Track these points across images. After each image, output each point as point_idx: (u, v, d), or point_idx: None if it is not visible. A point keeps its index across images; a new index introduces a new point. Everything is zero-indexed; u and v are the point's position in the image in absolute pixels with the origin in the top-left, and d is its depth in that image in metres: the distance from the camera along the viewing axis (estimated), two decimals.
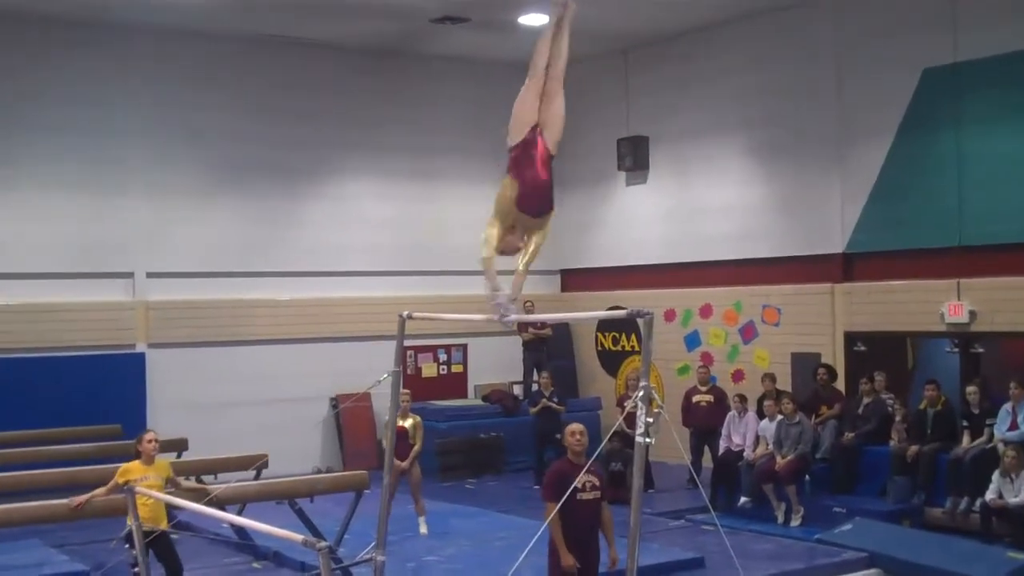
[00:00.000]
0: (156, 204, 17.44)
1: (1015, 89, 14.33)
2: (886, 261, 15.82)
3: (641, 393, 6.41)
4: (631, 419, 6.75)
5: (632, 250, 19.60)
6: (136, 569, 9.46)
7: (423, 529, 13.19)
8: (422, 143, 19.63)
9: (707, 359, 17.80)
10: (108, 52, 17.03)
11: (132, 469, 9.85)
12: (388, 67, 19.29)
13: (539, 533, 6.99)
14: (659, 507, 14.76)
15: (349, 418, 18.40)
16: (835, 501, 14.24)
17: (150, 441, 10.02)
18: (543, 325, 18.43)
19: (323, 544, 6.52)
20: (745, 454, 14.93)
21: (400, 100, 19.49)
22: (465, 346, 19.97)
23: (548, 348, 19.12)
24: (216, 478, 13.18)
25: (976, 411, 13.83)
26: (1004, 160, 14.44)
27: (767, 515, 14.20)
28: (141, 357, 17.18)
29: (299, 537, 6.74)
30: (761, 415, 15.15)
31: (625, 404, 7.06)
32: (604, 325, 20.09)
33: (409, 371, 18.68)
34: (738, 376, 17.55)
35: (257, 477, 13.18)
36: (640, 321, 6.70)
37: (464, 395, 19.82)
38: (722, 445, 15.40)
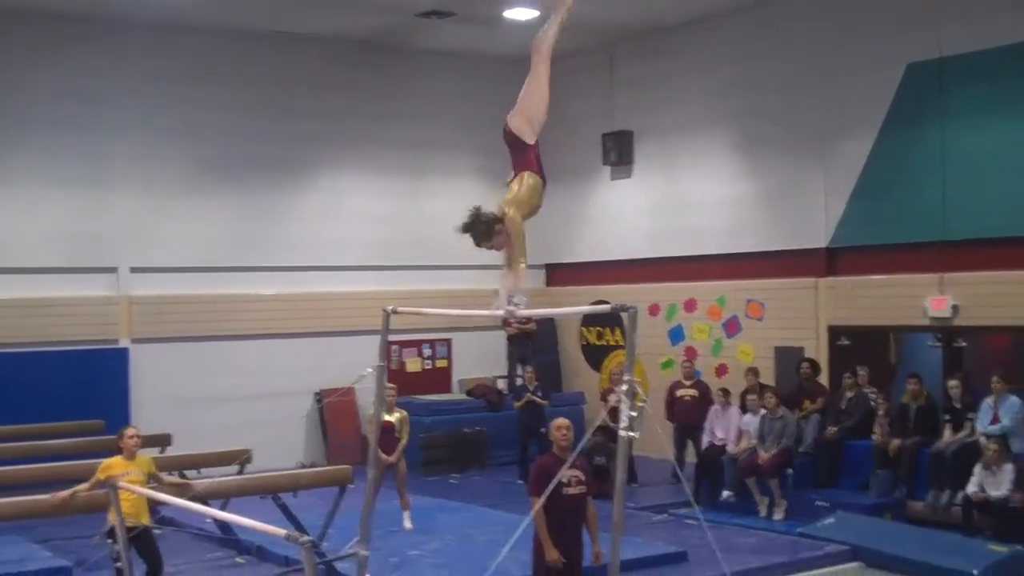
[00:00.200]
0: (141, 199, 17.39)
1: (999, 84, 14.37)
2: (870, 255, 15.85)
3: (625, 387, 6.42)
4: (615, 413, 6.76)
5: (617, 245, 19.61)
6: (118, 564, 9.45)
7: (407, 524, 13.19)
8: (408, 138, 19.61)
9: (691, 353, 17.81)
10: (97, 47, 16.97)
11: (114, 465, 9.84)
12: (374, 62, 19.26)
13: (522, 527, 6.99)
14: (642, 501, 14.78)
15: (333, 413, 18.39)
16: (818, 495, 14.27)
17: (131, 437, 10.01)
18: (527, 320, 18.41)
19: (306, 539, 6.51)
20: (728, 448, 14.96)
21: (386, 95, 19.46)
22: (449, 341, 19.96)
23: (532, 342, 19.11)
24: (199, 473, 13.17)
25: (958, 405, 13.89)
26: (987, 155, 14.47)
27: (750, 509, 14.24)
28: (124, 352, 17.14)
29: (282, 532, 6.71)
30: (744, 409, 15.20)
31: (609, 398, 7.05)
32: (588, 319, 20.11)
33: (393, 366, 18.65)
34: (722, 370, 17.57)
35: (240, 472, 13.16)
36: (624, 315, 6.70)
37: (448, 390, 19.82)
38: (705, 439, 15.41)
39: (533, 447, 16.69)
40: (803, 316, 16.51)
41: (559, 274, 20.80)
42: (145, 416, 15.96)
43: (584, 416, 18.44)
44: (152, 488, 9.70)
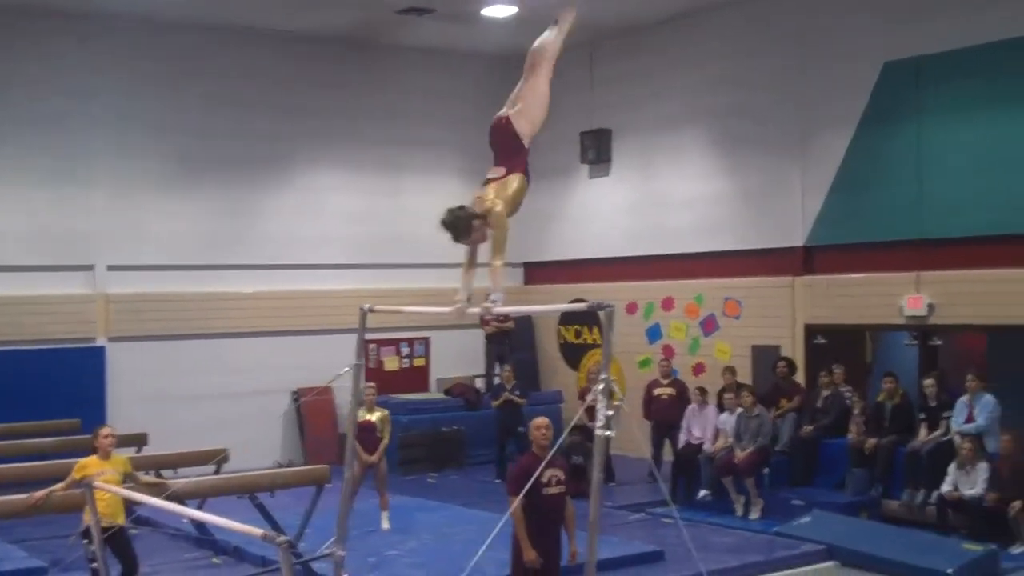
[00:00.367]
0: (118, 196, 17.32)
1: (975, 83, 14.44)
2: (846, 254, 15.91)
3: (601, 386, 6.42)
4: (592, 412, 6.76)
5: (595, 243, 19.64)
6: (94, 565, 9.40)
7: (385, 524, 13.15)
8: (386, 135, 19.58)
9: (668, 352, 17.85)
10: (72, 43, 16.88)
11: (89, 464, 9.80)
12: (353, 58, 19.24)
13: (499, 526, 6.99)
14: (619, 500, 14.80)
15: (310, 412, 18.35)
16: (794, 494, 14.33)
17: (106, 436, 9.97)
18: (505, 318, 18.43)
19: (283, 539, 6.49)
20: (705, 447, 14.99)
21: (365, 92, 19.43)
22: (428, 339, 19.95)
23: (510, 341, 19.13)
24: (176, 473, 13.12)
25: (933, 404, 13.94)
26: (964, 154, 14.53)
27: (726, 508, 14.28)
28: (101, 351, 17.06)
29: (259, 532, 6.70)
30: (721, 408, 15.23)
31: (586, 397, 7.06)
32: (566, 318, 20.13)
33: (371, 364, 18.64)
34: (699, 369, 17.61)
35: (217, 471, 13.12)
36: (601, 314, 6.71)
37: (426, 388, 19.81)
38: (682, 438, 15.43)
39: (511, 446, 16.71)
40: (780, 315, 16.57)
41: (537, 272, 20.80)
42: (122, 415, 15.90)
43: (562, 415, 18.46)
44: (128, 488, 9.66)
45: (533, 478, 7.80)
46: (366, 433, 12.99)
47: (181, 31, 17.56)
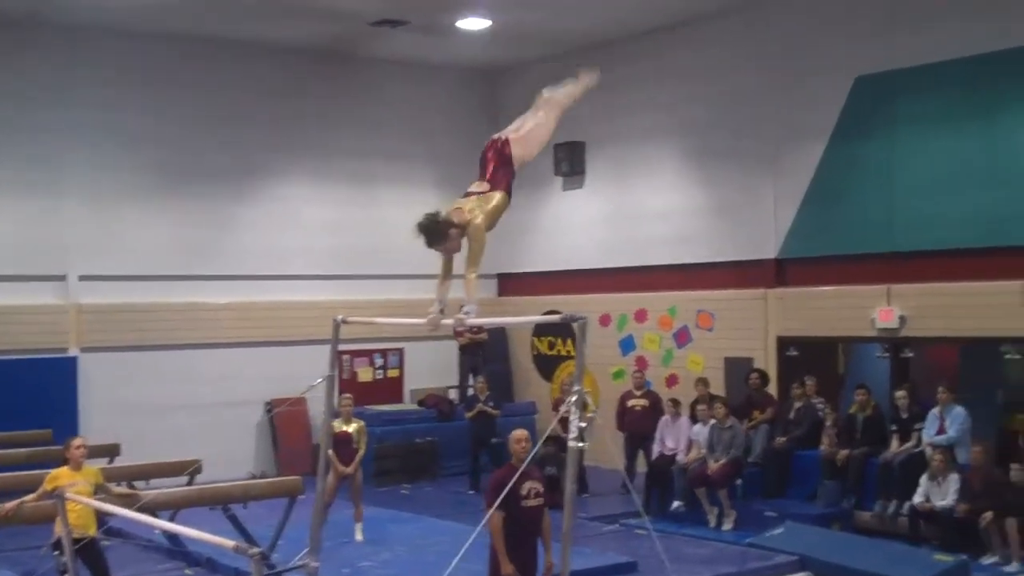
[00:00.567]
0: (91, 206, 17.24)
1: (945, 97, 14.55)
2: (818, 267, 15.99)
3: (575, 397, 6.45)
4: (566, 423, 6.79)
5: (568, 255, 19.67)
6: None
7: (359, 536, 13.13)
8: (360, 147, 19.56)
9: (642, 364, 17.89)
10: (47, 52, 16.82)
11: (61, 475, 9.76)
12: (327, 70, 19.22)
13: (473, 537, 6.99)
14: (593, 511, 14.81)
15: (284, 423, 18.28)
16: (766, 505, 14.37)
17: (78, 447, 9.94)
18: (479, 330, 18.44)
19: (255, 550, 6.49)
20: (678, 458, 15.02)
21: (339, 103, 19.42)
22: (401, 350, 19.92)
23: (484, 352, 19.13)
24: (148, 484, 13.05)
25: (905, 416, 14.02)
26: (934, 167, 14.63)
27: (700, 519, 14.31)
28: (73, 361, 16.97)
29: (231, 543, 6.69)
30: (694, 419, 15.27)
31: (560, 408, 7.09)
32: (540, 330, 20.14)
33: (345, 375, 18.61)
34: (672, 381, 17.65)
35: (190, 483, 13.07)
36: (575, 325, 6.74)
37: (400, 399, 19.77)
38: (655, 449, 15.47)
39: (484, 457, 16.72)
40: (752, 327, 16.63)
41: (511, 284, 20.82)
42: (94, 426, 15.84)
43: (536, 426, 18.43)
44: (100, 499, 9.62)
45: (507, 489, 7.81)
46: (342, 444, 12.98)
47: (157, 43, 17.51)
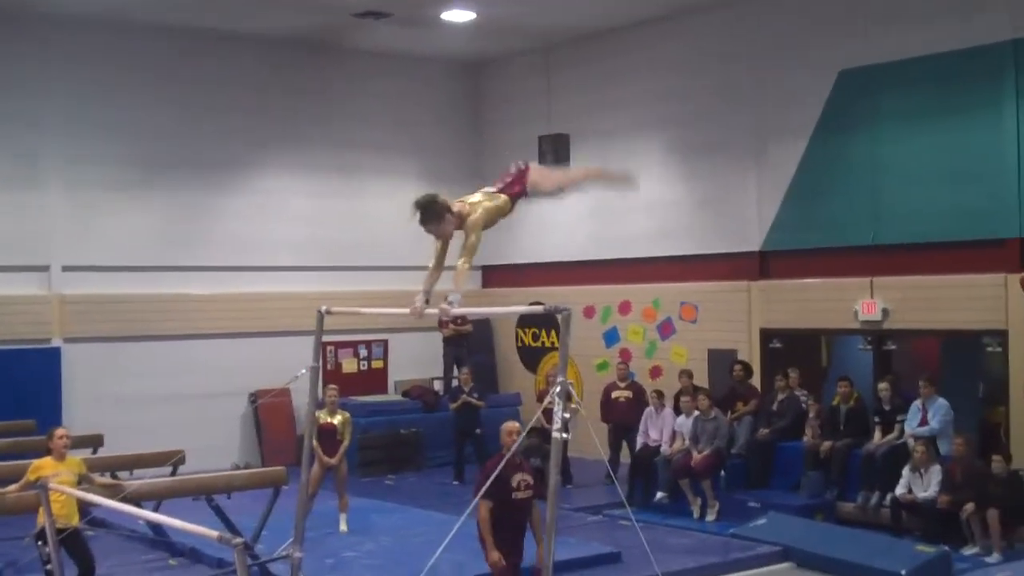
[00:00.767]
0: (74, 197, 17.17)
1: (928, 91, 14.59)
2: (801, 259, 16.05)
3: (558, 389, 6.47)
4: (549, 415, 6.81)
5: (553, 247, 19.68)
6: (49, 567, 9.35)
7: (343, 526, 13.14)
8: (344, 138, 19.54)
9: (626, 355, 17.92)
10: (26, 42, 16.71)
11: (44, 466, 9.75)
12: (310, 61, 19.19)
13: (457, 527, 7.00)
14: (577, 502, 14.85)
15: (268, 414, 18.28)
16: (750, 496, 14.41)
17: (61, 437, 9.93)
18: (464, 321, 18.46)
19: (238, 540, 6.48)
20: (662, 449, 15.07)
21: (322, 95, 19.39)
22: (386, 342, 19.92)
23: (468, 344, 19.14)
24: (132, 474, 13.04)
25: (888, 407, 14.08)
26: (917, 161, 14.69)
27: (683, 510, 14.36)
28: (56, 352, 16.92)
29: (214, 534, 6.68)
30: (678, 411, 15.31)
31: (544, 400, 7.12)
32: (524, 321, 20.16)
33: (329, 366, 18.61)
34: (656, 372, 17.70)
35: (174, 473, 13.05)
36: (559, 317, 6.76)
37: (384, 391, 19.77)
38: (639, 441, 15.52)
39: (469, 448, 16.74)
40: (736, 319, 16.68)
41: (496, 275, 20.81)
42: (77, 416, 15.80)
43: (520, 417, 18.44)
44: (83, 489, 9.61)
45: (492, 479, 7.82)
46: (327, 436, 13.00)
47: (137, 33, 17.43)
